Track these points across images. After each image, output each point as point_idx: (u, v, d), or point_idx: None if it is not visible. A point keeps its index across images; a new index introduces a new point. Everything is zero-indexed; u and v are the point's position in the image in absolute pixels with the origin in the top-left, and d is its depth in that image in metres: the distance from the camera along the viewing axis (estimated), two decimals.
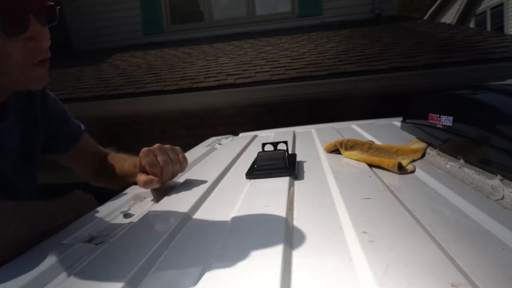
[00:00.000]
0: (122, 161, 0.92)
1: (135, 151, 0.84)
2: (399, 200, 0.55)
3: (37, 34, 0.54)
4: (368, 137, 1.09)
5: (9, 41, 0.52)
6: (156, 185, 0.70)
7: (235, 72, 3.16)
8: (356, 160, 0.81)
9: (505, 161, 0.53)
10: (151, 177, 0.70)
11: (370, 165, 0.76)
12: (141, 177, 0.71)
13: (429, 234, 0.42)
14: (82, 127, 0.93)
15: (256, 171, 0.76)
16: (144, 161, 0.71)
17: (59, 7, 0.58)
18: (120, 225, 0.58)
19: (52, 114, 0.83)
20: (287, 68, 3.09)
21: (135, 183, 0.78)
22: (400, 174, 0.70)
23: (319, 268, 0.37)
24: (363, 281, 0.34)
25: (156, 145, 0.74)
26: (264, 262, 0.39)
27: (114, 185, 0.93)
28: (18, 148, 0.73)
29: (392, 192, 0.59)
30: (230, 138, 1.41)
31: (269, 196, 0.63)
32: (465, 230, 0.44)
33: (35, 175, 0.80)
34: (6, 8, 0.49)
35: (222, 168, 0.87)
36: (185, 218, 0.57)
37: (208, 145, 1.28)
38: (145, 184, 0.70)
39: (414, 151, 0.82)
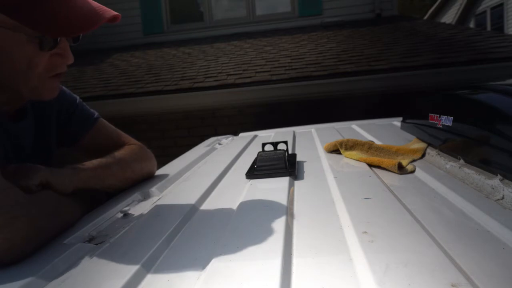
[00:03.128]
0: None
1: None
2: (399, 200, 0.55)
3: (65, 52, 0.61)
4: (368, 137, 1.09)
5: (41, 54, 0.58)
6: None
7: (235, 72, 3.16)
8: (356, 160, 0.81)
9: (505, 161, 0.53)
10: None
11: (370, 165, 0.76)
12: None
13: (429, 234, 0.42)
14: (95, 115, 0.85)
15: (256, 171, 0.76)
16: None
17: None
18: (120, 225, 0.58)
19: (63, 107, 0.80)
20: (287, 68, 3.09)
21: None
22: (400, 174, 0.70)
23: (319, 268, 0.37)
24: (363, 281, 0.34)
25: None
26: (264, 262, 0.39)
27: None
28: (33, 147, 0.74)
29: (392, 192, 0.59)
30: (230, 138, 1.41)
31: (269, 196, 0.63)
32: (465, 230, 0.44)
33: None
34: (51, 30, 0.52)
35: (222, 168, 0.87)
36: (185, 218, 0.57)
37: (208, 145, 1.28)
38: None
39: (414, 151, 0.82)
